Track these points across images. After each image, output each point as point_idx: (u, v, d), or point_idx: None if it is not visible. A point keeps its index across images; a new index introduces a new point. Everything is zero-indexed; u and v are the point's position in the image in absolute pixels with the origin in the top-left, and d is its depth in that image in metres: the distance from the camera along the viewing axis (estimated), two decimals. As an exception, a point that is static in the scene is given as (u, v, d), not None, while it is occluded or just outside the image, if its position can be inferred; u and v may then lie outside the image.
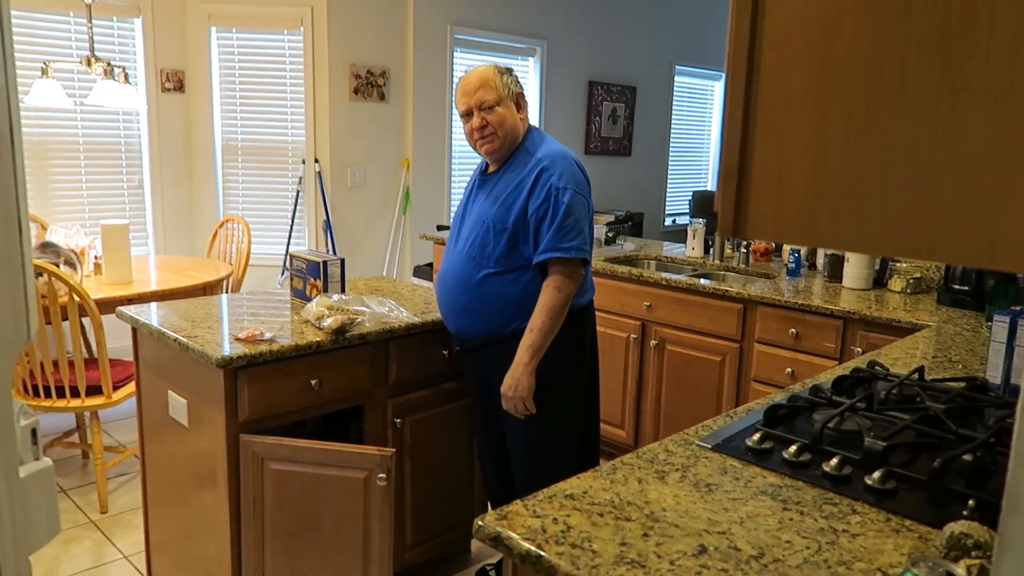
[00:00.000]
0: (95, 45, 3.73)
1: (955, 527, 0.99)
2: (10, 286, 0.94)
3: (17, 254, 0.96)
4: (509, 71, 2.21)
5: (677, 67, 7.41)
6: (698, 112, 7.92)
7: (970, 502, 1.16)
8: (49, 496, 1.01)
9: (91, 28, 3.68)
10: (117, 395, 3.00)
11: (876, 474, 1.25)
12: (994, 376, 1.77)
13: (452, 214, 5.65)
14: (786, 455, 1.34)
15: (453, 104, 5.54)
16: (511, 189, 2.14)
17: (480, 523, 1.13)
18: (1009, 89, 0.64)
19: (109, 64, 3.62)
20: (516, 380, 2.11)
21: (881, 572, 1.01)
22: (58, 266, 3.03)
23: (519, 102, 2.20)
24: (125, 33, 4.67)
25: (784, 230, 0.80)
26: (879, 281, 3.10)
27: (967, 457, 1.30)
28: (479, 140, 2.17)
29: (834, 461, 1.30)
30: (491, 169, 2.26)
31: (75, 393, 2.95)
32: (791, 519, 1.15)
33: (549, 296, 2.09)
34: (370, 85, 5.16)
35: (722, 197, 0.83)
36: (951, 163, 0.67)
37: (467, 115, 2.17)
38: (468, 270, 2.17)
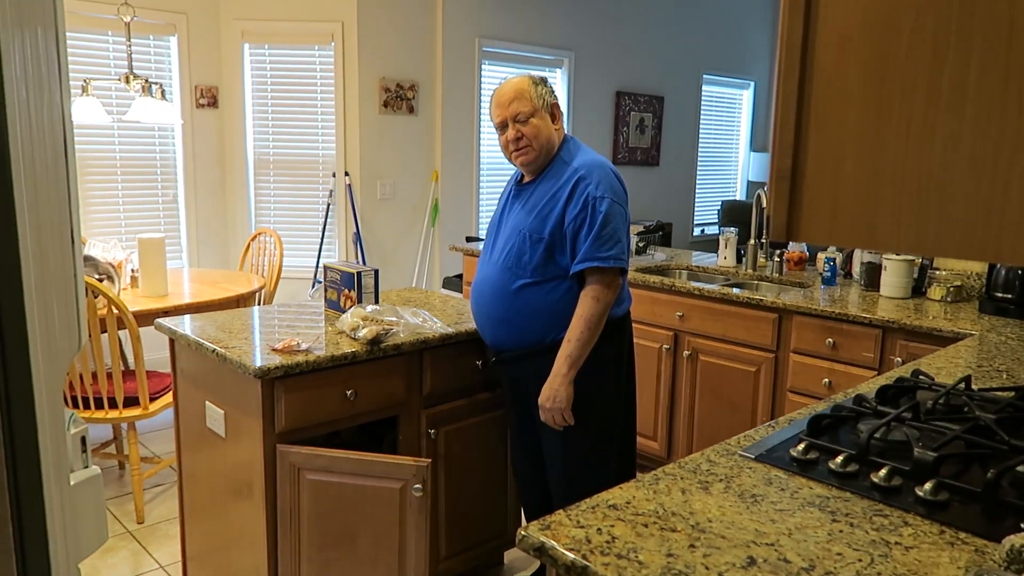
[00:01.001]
0: (133, 63, 3.80)
1: (1016, 540, 0.96)
2: (64, 297, 0.96)
3: (70, 266, 0.97)
4: (543, 81, 2.21)
5: (705, 76, 7.38)
6: (726, 121, 7.87)
7: (1028, 514, 1.13)
8: (98, 503, 1.02)
9: (130, 46, 3.76)
10: (154, 406, 3.04)
11: (927, 485, 1.22)
12: (1044, 385, 1.72)
13: (481, 226, 5.67)
14: (832, 466, 1.32)
15: (481, 116, 5.58)
16: (547, 199, 2.14)
17: (524, 532, 1.12)
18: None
19: (147, 81, 3.69)
20: (554, 391, 2.10)
21: (938, 586, 0.98)
22: (98, 280, 3.08)
23: (554, 112, 2.20)
24: (161, 51, 4.76)
25: (840, 232, 0.78)
26: (918, 289, 3.05)
27: (1021, 469, 1.26)
28: (514, 152, 2.17)
29: (883, 472, 1.27)
30: (526, 179, 2.25)
31: (113, 404, 2.98)
32: (841, 531, 1.12)
33: (587, 306, 2.08)
34: (399, 98, 5.20)
35: (774, 200, 0.82)
36: (1018, 163, 0.65)
37: (502, 127, 2.17)
38: (504, 280, 2.16)
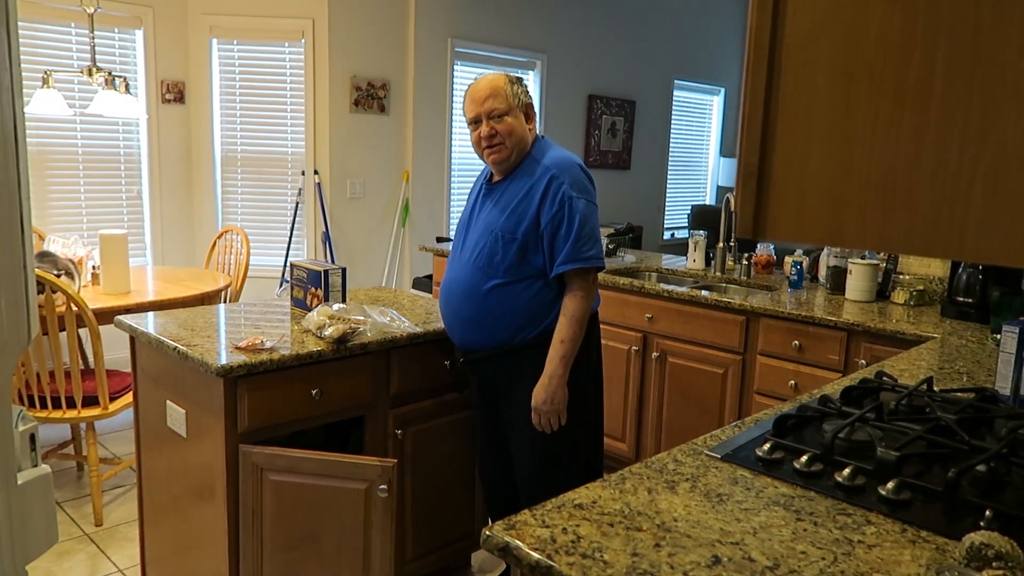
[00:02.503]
0: (96, 55, 3.72)
1: (975, 537, 0.97)
2: (12, 290, 0.92)
3: (19, 258, 0.94)
4: (519, 80, 2.19)
5: (676, 81, 7.44)
6: (696, 126, 7.94)
7: (987, 513, 1.14)
8: (47, 503, 0.99)
9: (93, 38, 3.68)
10: (114, 406, 2.97)
11: (890, 484, 1.22)
12: (1003, 387, 1.75)
13: (452, 226, 5.64)
14: (797, 465, 1.32)
15: (453, 117, 5.56)
16: (520, 197, 2.12)
17: (488, 533, 1.10)
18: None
19: (110, 74, 3.61)
20: (551, 393, 2.08)
21: (900, 584, 0.99)
22: (57, 276, 3.00)
23: (528, 112, 2.19)
24: (126, 44, 4.67)
25: (807, 230, 0.78)
26: (882, 293, 3.09)
27: (981, 468, 1.28)
28: (487, 149, 2.15)
29: (846, 471, 1.27)
30: (496, 178, 2.23)
31: (71, 404, 2.91)
32: (805, 530, 1.12)
33: (577, 305, 2.08)
34: (371, 97, 5.16)
35: (741, 197, 0.82)
36: (983, 159, 0.66)
37: (475, 123, 2.15)
38: (475, 280, 2.14)
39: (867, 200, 0.73)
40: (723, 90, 8.04)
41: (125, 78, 3.71)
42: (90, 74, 3.57)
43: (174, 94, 4.86)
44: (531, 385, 2.11)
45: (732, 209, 3.67)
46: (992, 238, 0.66)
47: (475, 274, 2.14)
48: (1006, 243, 0.65)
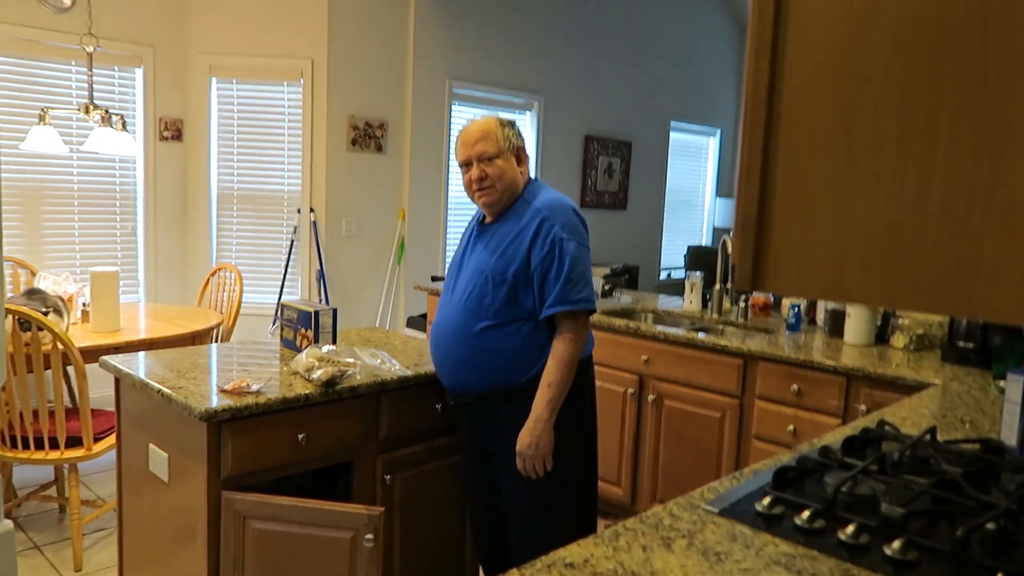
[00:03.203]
0: (95, 93, 3.73)
1: (988, 605, 0.92)
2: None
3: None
4: (511, 124, 2.18)
5: (672, 123, 7.50)
6: (693, 168, 7.99)
7: (998, 575, 1.09)
8: (8, 563, 0.93)
9: (91, 76, 3.69)
10: (98, 447, 2.90)
11: (896, 544, 1.17)
12: (1009, 437, 1.71)
13: (445, 264, 5.62)
14: (798, 521, 1.27)
15: (450, 157, 5.57)
16: (510, 239, 2.10)
17: (475, 595, 1.05)
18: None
19: (107, 111, 3.61)
20: (536, 438, 2.03)
21: (909, 654, 0.93)
22: (45, 314, 2.96)
23: (520, 155, 2.17)
24: (126, 82, 4.69)
25: (807, 284, 0.75)
26: (881, 336, 3.06)
27: (990, 526, 1.23)
28: (477, 192, 2.13)
29: (850, 529, 1.22)
30: (488, 219, 2.22)
31: (54, 444, 2.85)
32: (808, 593, 1.07)
33: (565, 348, 2.04)
34: (368, 136, 5.18)
35: (740, 248, 0.78)
36: (991, 215, 0.63)
37: (466, 165, 2.14)
38: (465, 322, 2.10)
39: (870, 256, 0.70)
40: (719, 131, 8.10)
41: (122, 116, 3.70)
42: (87, 112, 3.57)
43: (172, 132, 4.87)
44: (520, 430, 2.06)
45: (729, 255, 3.65)
46: (1003, 296, 0.62)
47: (465, 315, 2.10)
48: (1017, 301, 0.62)
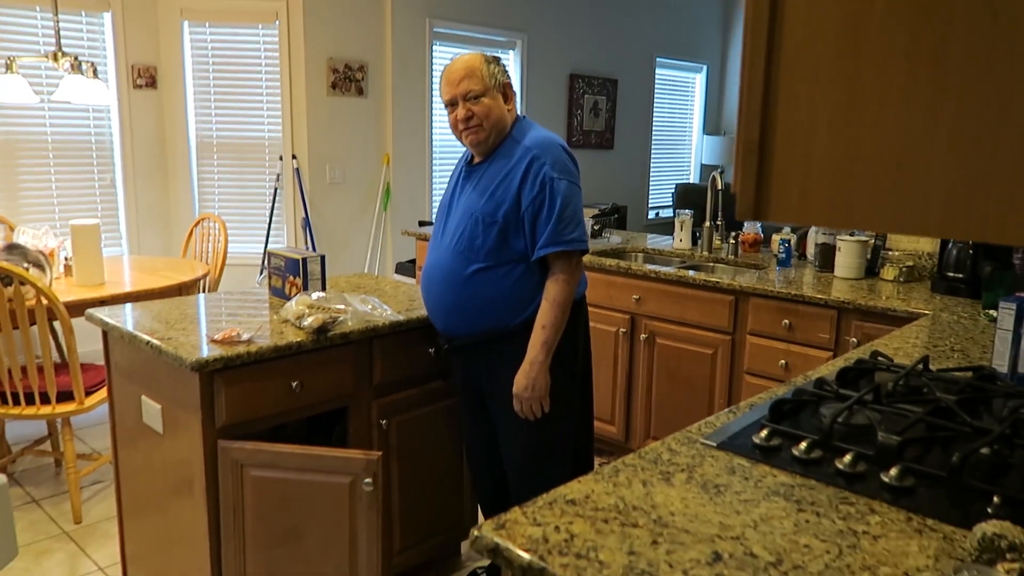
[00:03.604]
0: (62, 40, 3.60)
1: (987, 528, 0.93)
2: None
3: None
4: (496, 60, 2.12)
5: (658, 59, 7.36)
6: (679, 104, 7.88)
7: (995, 499, 1.10)
8: (3, 516, 0.92)
9: (57, 22, 3.55)
10: (90, 401, 2.89)
11: (893, 471, 1.18)
12: (1000, 365, 1.72)
13: (434, 209, 5.56)
14: (796, 452, 1.28)
15: (433, 98, 5.46)
16: (500, 179, 2.05)
17: (477, 533, 1.05)
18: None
19: (76, 59, 3.49)
20: (532, 380, 2.02)
21: (907, 577, 0.95)
22: (26, 269, 2.91)
23: (506, 92, 2.12)
24: (94, 28, 4.53)
25: (811, 211, 0.73)
26: (871, 270, 3.06)
27: (985, 451, 1.24)
28: (464, 131, 2.08)
29: (847, 458, 1.23)
30: (476, 160, 2.17)
31: (45, 399, 2.83)
32: (807, 521, 1.08)
33: (558, 289, 2.02)
34: (348, 80, 5.05)
35: (741, 176, 0.76)
36: (1005, 133, 0.60)
37: (451, 105, 2.08)
38: (456, 265, 2.07)
39: (877, 181, 0.68)
40: (705, 67, 7.97)
41: (93, 63, 3.58)
42: (55, 59, 3.45)
43: (145, 79, 4.73)
44: (515, 373, 2.05)
45: (719, 189, 3.62)
46: (1018, 217, 0.60)
47: (456, 259, 2.08)
48: (1034, 221, 0.60)
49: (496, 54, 2.21)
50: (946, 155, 0.64)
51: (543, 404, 2.06)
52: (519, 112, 2.20)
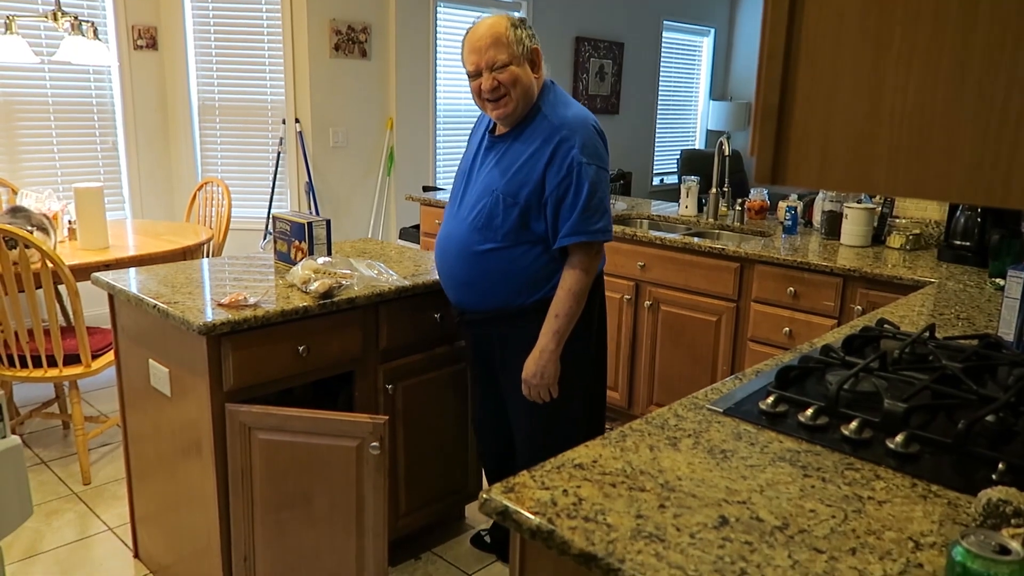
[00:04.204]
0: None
1: (992, 493, 0.94)
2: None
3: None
4: (523, 23, 1.99)
5: (665, 23, 7.25)
6: (686, 69, 7.78)
7: (1000, 466, 1.11)
8: (19, 476, 0.93)
9: (56, -20, 3.49)
10: (97, 364, 2.91)
11: (899, 437, 1.19)
12: (1007, 333, 1.72)
13: (439, 175, 5.53)
14: (802, 419, 1.29)
15: (437, 62, 5.39)
16: (525, 158, 1.96)
17: (486, 496, 1.06)
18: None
19: (76, 18, 3.44)
20: (541, 368, 1.99)
21: (913, 541, 0.96)
22: (30, 232, 2.90)
23: (534, 59, 1.99)
24: (93, -13, 4.46)
25: (831, 176, 0.72)
26: (877, 238, 3.05)
27: (990, 418, 1.25)
28: (490, 103, 1.97)
29: (853, 424, 1.24)
30: (500, 130, 2.07)
31: (52, 362, 2.85)
32: (813, 486, 1.09)
33: (576, 279, 1.96)
34: (351, 41, 4.99)
35: (759, 140, 0.75)
36: (1033, 94, 0.59)
37: (476, 75, 1.97)
38: (472, 241, 2.01)
39: (899, 144, 0.67)
40: (712, 31, 7.85)
41: (93, 23, 3.54)
42: (55, 19, 3.41)
43: (146, 40, 4.67)
44: (527, 351, 2.02)
45: (725, 154, 3.59)
46: (1042, 182, 0.60)
47: (472, 234, 2.01)
48: (1058, 187, 0.59)
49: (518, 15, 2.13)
50: (971, 117, 0.63)
51: (551, 390, 2.03)
52: (547, 79, 2.07)
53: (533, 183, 1.95)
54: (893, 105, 0.66)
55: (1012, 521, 0.91)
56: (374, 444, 1.88)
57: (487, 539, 2.55)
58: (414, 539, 2.53)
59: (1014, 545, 0.76)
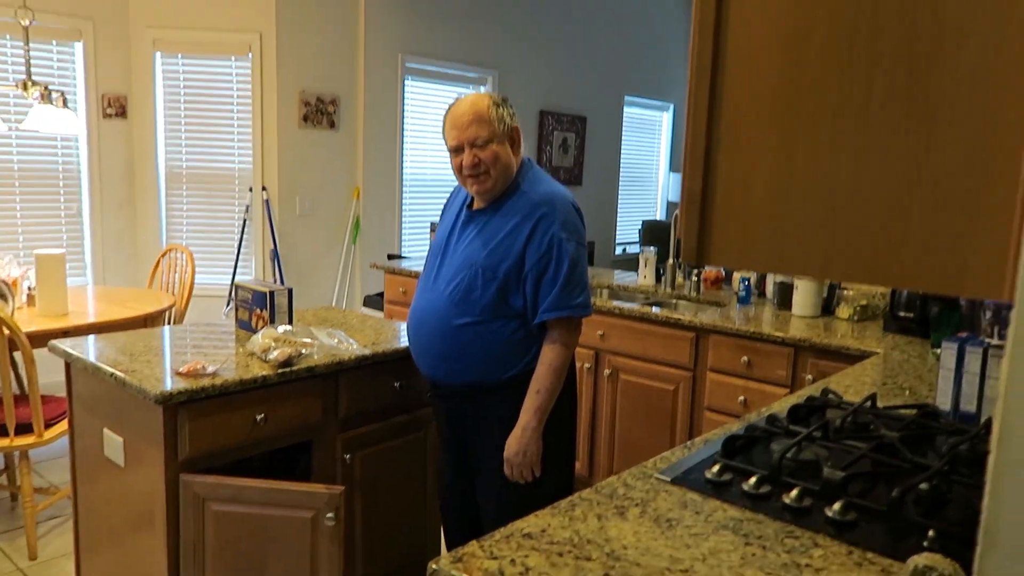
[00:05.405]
0: (33, 69, 3.60)
1: (919, 560, 0.98)
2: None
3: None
4: (504, 101, 2.04)
5: (627, 97, 7.53)
6: (647, 143, 8.05)
7: (930, 532, 1.15)
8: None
9: (28, 51, 3.56)
10: (49, 433, 2.85)
11: (836, 505, 1.23)
12: (944, 403, 1.79)
13: (404, 243, 5.60)
14: (746, 487, 1.32)
15: (404, 133, 5.53)
16: (505, 233, 1.98)
17: (435, 567, 1.07)
18: (981, 109, 0.63)
19: (46, 88, 3.49)
20: (524, 446, 1.96)
21: (847, 607, 0.99)
22: (-13, 297, 2.88)
23: (514, 137, 2.04)
24: (65, 57, 4.54)
25: (750, 256, 0.78)
26: (827, 308, 3.15)
27: (924, 486, 1.30)
28: (470, 178, 2.00)
29: (794, 493, 1.28)
30: (478, 204, 2.09)
31: (3, 432, 2.78)
32: (753, 554, 1.12)
33: (556, 354, 1.96)
34: (320, 112, 5.10)
35: (685, 223, 0.81)
36: (922, 185, 0.66)
37: (456, 150, 1.99)
38: (449, 314, 2.00)
39: (810, 227, 0.73)
40: (672, 106, 8.17)
41: (62, 92, 3.59)
42: (25, 88, 3.45)
43: (116, 109, 4.73)
44: (501, 427, 2.00)
45: (677, 234, 3.71)
46: (931, 266, 0.66)
47: (449, 308, 2.01)
48: (942, 272, 0.65)
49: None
50: (870, 206, 0.70)
51: (534, 469, 2.00)
52: (524, 156, 2.12)
53: (513, 258, 1.96)
54: (803, 192, 0.73)
55: (937, 586, 0.95)
56: (329, 515, 1.87)
57: (445, 613, 2.50)
58: (371, 613, 2.48)
59: (930, 608, 0.80)
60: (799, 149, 0.75)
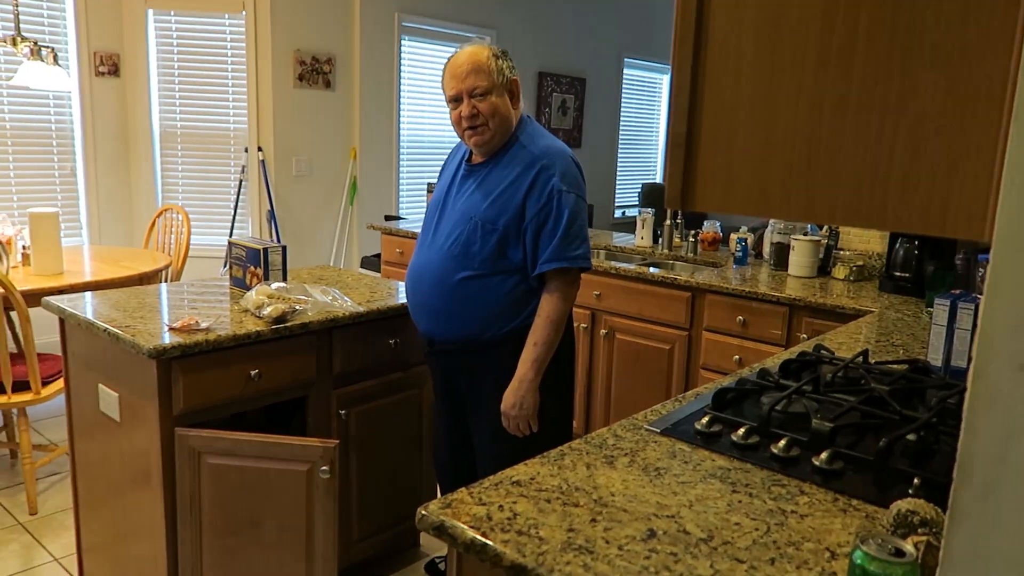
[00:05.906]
0: (22, 25, 3.55)
1: (902, 505, 0.99)
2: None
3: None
4: (504, 54, 2.01)
5: (626, 59, 7.44)
6: (647, 105, 7.97)
7: (915, 481, 1.16)
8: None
9: (16, 5, 3.50)
10: (46, 391, 2.87)
11: (823, 455, 1.24)
12: (935, 359, 1.80)
13: (401, 204, 5.57)
14: (735, 438, 1.33)
15: (401, 93, 5.47)
16: (505, 186, 1.96)
17: (423, 512, 1.08)
18: (960, 51, 0.62)
19: (36, 44, 3.45)
20: (521, 398, 1.96)
21: (829, 551, 1.00)
22: (-19, 256, 2.87)
23: (513, 90, 2.01)
24: (55, 13, 4.46)
25: (733, 200, 0.77)
26: (823, 269, 3.15)
27: (911, 437, 1.31)
28: (468, 130, 1.98)
29: (782, 443, 1.29)
30: (477, 159, 2.07)
31: (1, 390, 2.80)
32: (740, 501, 1.13)
33: (554, 306, 1.95)
34: (315, 72, 5.04)
35: (670, 167, 0.80)
36: (902, 126, 0.65)
37: (455, 101, 1.97)
38: (447, 269, 1.99)
39: (791, 171, 0.73)
40: (672, 42, 8.05)
41: (53, 49, 3.54)
42: (14, 43, 3.41)
43: (108, 67, 4.67)
44: (498, 383, 2.00)
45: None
46: (912, 206, 0.66)
47: (448, 262, 1.99)
48: (924, 211, 0.65)
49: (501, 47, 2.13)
50: (851, 146, 0.69)
51: (531, 422, 2.00)
52: (524, 113, 2.09)
53: (512, 210, 1.95)
54: (785, 136, 0.72)
55: (919, 530, 0.96)
56: (324, 468, 1.89)
57: (441, 566, 2.55)
58: (368, 566, 2.52)
59: (908, 548, 0.81)
60: (782, 94, 0.74)
